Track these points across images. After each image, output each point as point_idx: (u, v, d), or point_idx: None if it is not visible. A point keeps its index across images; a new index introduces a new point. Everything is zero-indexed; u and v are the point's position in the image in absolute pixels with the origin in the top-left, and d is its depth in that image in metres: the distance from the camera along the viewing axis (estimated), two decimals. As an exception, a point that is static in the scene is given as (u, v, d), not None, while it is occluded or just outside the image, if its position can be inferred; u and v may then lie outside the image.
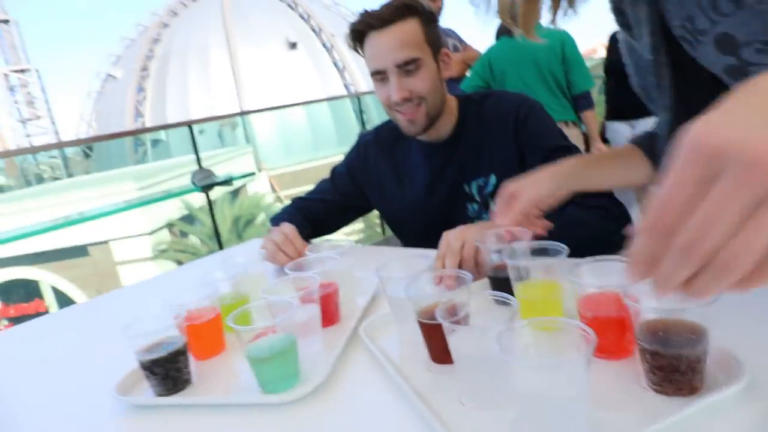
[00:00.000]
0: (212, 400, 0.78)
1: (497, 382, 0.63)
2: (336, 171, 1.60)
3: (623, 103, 3.35)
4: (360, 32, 1.31)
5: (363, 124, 5.45)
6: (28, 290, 16.15)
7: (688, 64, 0.80)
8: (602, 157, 1.08)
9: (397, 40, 1.27)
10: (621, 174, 1.05)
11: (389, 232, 1.80)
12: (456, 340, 0.65)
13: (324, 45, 41.45)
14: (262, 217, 16.33)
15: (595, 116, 3.06)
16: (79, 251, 15.00)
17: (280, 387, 0.75)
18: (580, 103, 2.97)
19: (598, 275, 0.73)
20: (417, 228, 1.48)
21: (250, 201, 15.97)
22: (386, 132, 1.53)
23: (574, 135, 2.96)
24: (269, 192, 20.50)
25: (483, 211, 1.38)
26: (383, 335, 0.88)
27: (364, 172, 1.54)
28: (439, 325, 0.66)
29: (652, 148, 1.01)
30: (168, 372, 0.80)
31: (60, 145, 21.45)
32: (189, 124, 3.57)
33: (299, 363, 0.77)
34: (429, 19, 1.33)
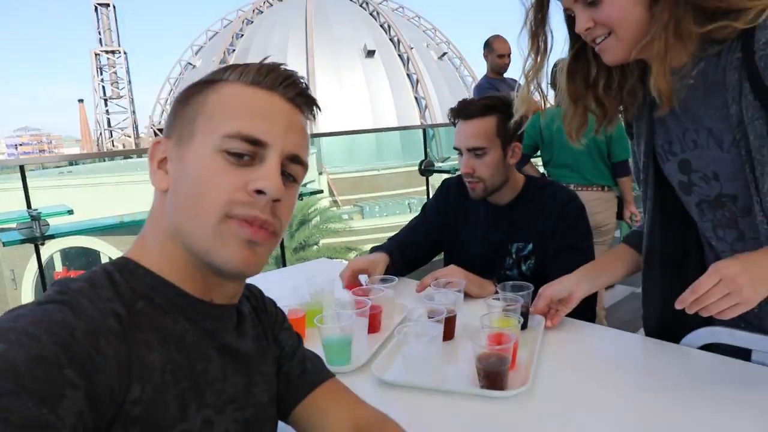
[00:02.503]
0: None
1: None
2: (426, 206, 2.00)
3: None
4: (455, 116, 1.72)
5: (426, 153, 5.91)
6: (90, 259, 17.36)
7: (664, 179, 1.18)
8: (608, 261, 1.42)
9: (473, 130, 1.66)
10: (621, 270, 1.37)
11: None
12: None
13: (400, 56, 42.02)
14: (316, 220, 16.69)
15: (630, 183, 3.30)
16: (138, 227, 15.96)
17: (338, 363, 1.24)
18: (618, 170, 3.25)
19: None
20: (464, 264, 1.73)
21: (306, 202, 15.86)
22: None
23: (610, 198, 3.30)
24: (327, 195, 20.79)
25: (514, 267, 1.73)
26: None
27: (445, 209, 1.89)
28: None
29: (640, 244, 1.31)
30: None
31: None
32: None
33: (351, 351, 1.26)
34: (509, 117, 1.51)
